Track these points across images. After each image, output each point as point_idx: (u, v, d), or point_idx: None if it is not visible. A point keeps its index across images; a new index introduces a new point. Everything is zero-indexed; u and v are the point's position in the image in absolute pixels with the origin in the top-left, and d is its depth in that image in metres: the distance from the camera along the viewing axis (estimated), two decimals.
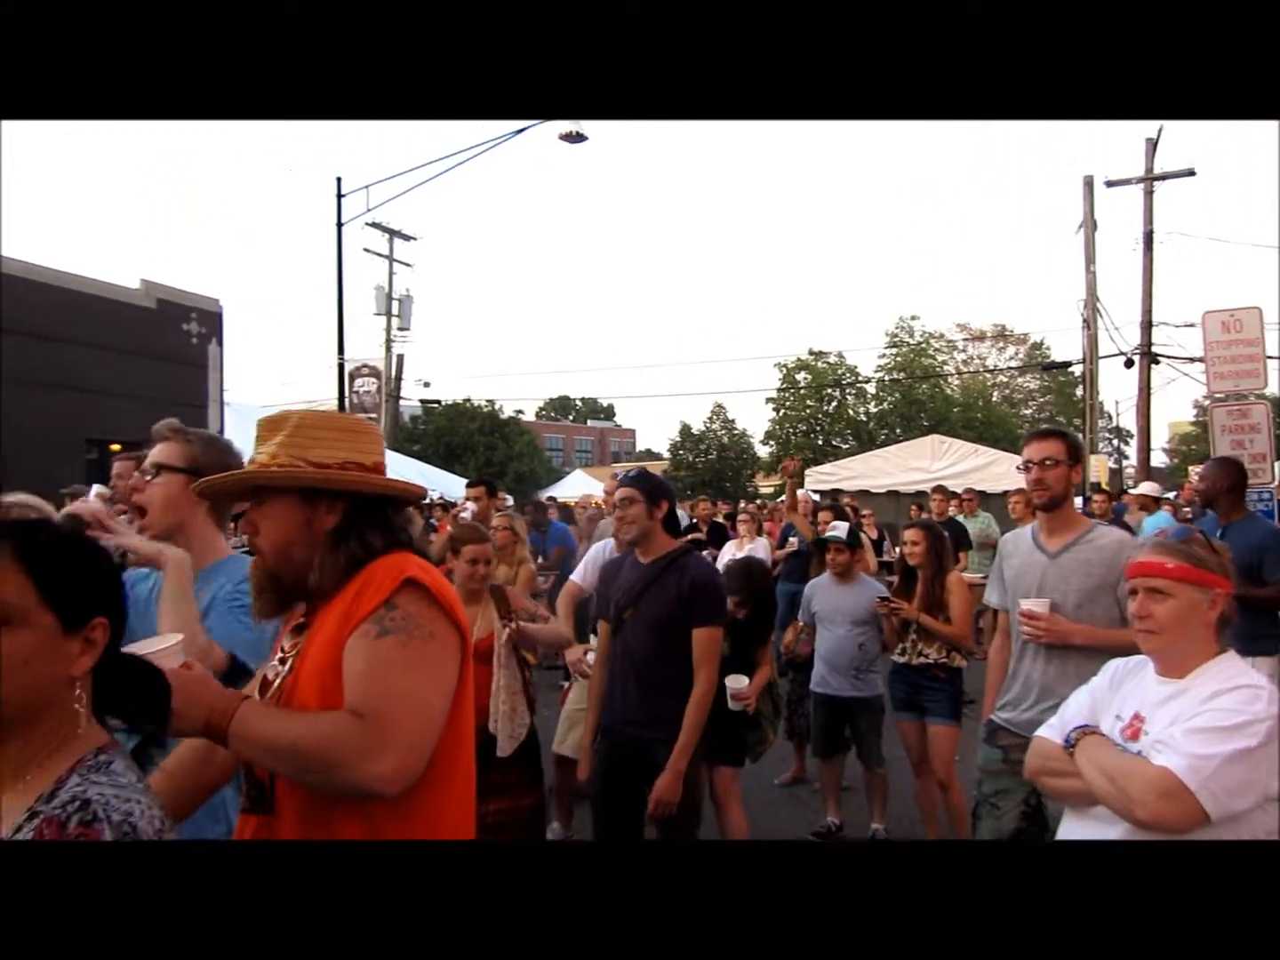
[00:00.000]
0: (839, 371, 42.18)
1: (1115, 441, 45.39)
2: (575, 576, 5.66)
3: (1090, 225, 19.09)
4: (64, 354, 16.34)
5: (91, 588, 1.26)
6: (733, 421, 44.37)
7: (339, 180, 18.24)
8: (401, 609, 1.59)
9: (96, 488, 4.82)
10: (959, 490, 12.14)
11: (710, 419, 44.29)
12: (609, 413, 78.98)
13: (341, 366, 19.09)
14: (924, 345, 44.31)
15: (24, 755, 1.21)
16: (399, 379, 23.93)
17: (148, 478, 2.52)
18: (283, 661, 1.70)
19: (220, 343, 20.04)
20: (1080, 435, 18.44)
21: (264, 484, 1.75)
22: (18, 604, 1.18)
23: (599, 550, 5.67)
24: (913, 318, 44.54)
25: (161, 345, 18.30)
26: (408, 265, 24.87)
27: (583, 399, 77.67)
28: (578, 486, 28.65)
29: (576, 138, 16.36)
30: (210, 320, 19.79)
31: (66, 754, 1.22)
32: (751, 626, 5.11)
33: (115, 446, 17.41)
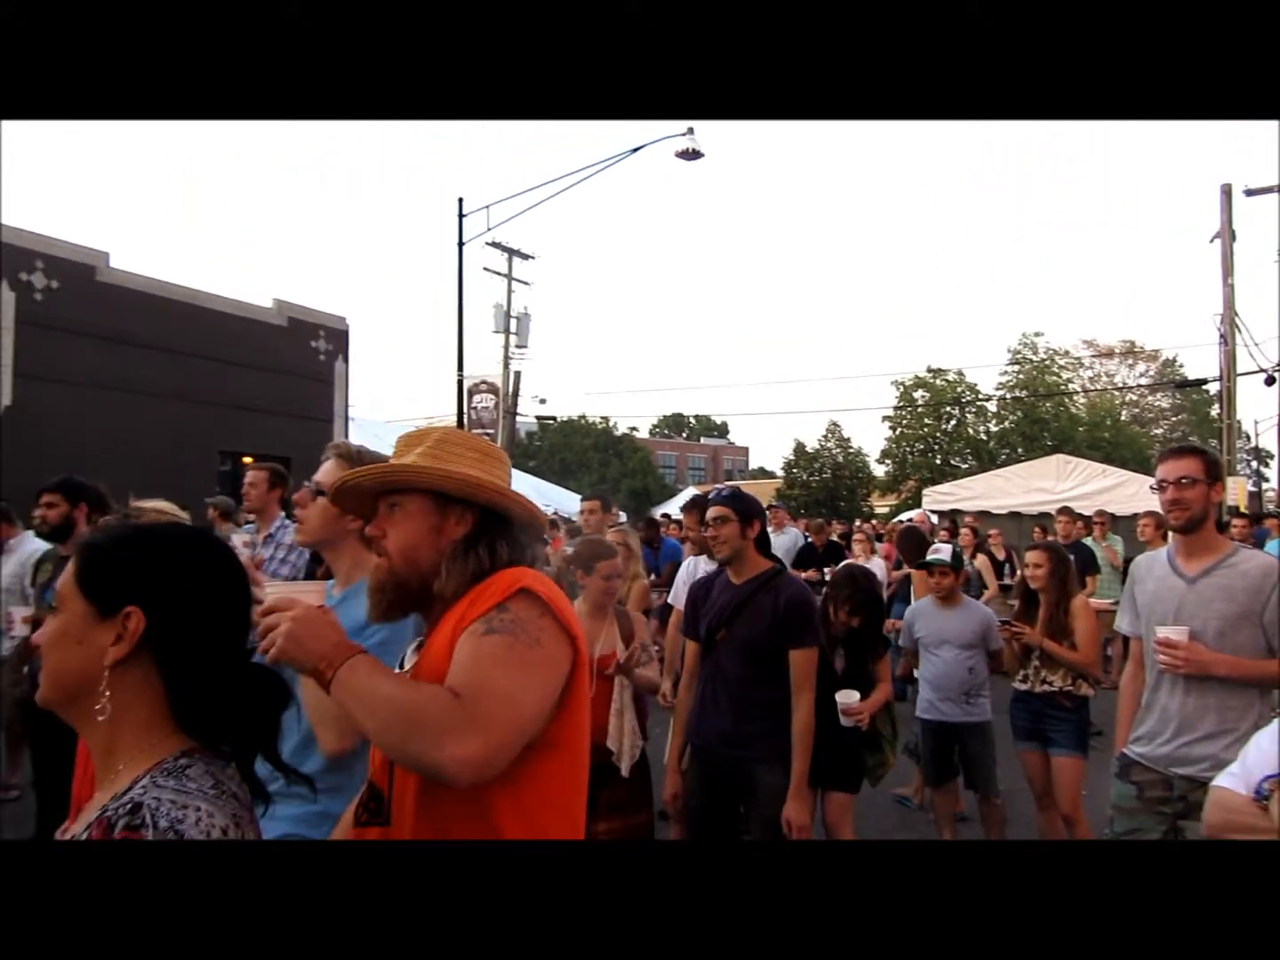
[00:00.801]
0: (958, 389, 41.25)
1: (1254, 463, 43.21)
2: (675, 601, 5.64)
3: (1228, 236, 18.25)
4: (200, 369, 17.10)
5: (124, 577, 1.27)
6: (848, 440, 43.79)
7: (460, 201, 18.69)
8: (512, 613, 1.60)
9: (238, 537, 5.00)
10: (1085, 512, 11.69)
11: (825, 437, 43.79)
12: (722, 430, 78.81)
13: (461, 383, 19.50)
14: (1048, 362, 43.01)
15: (109, 749, 1.26)
16: (516, 395, 24.34)
17: (311, 495, 2.65)
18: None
19: (346, 359, 20.71)
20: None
21: (402, 484, 1.78)
22: (63, 591, 1.29)
23: (688, 570, 5.63)
24: (1036, 334, 43.35)
25: (291, 362, 19.00)
26: (526, 284, 25.35)
27: (696, 416, 77.67)
28: None
29: (692, 155, 16.42)
30: (337, 338, 20.47)
31: (148, 755, 1.24)
32: (866, 638, 4.98)
33: (247, 459, 18.18)
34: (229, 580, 1.35)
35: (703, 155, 16.54)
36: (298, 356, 19.32)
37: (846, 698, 4.45)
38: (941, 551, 5.77)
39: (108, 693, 1.24)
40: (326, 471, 2.73)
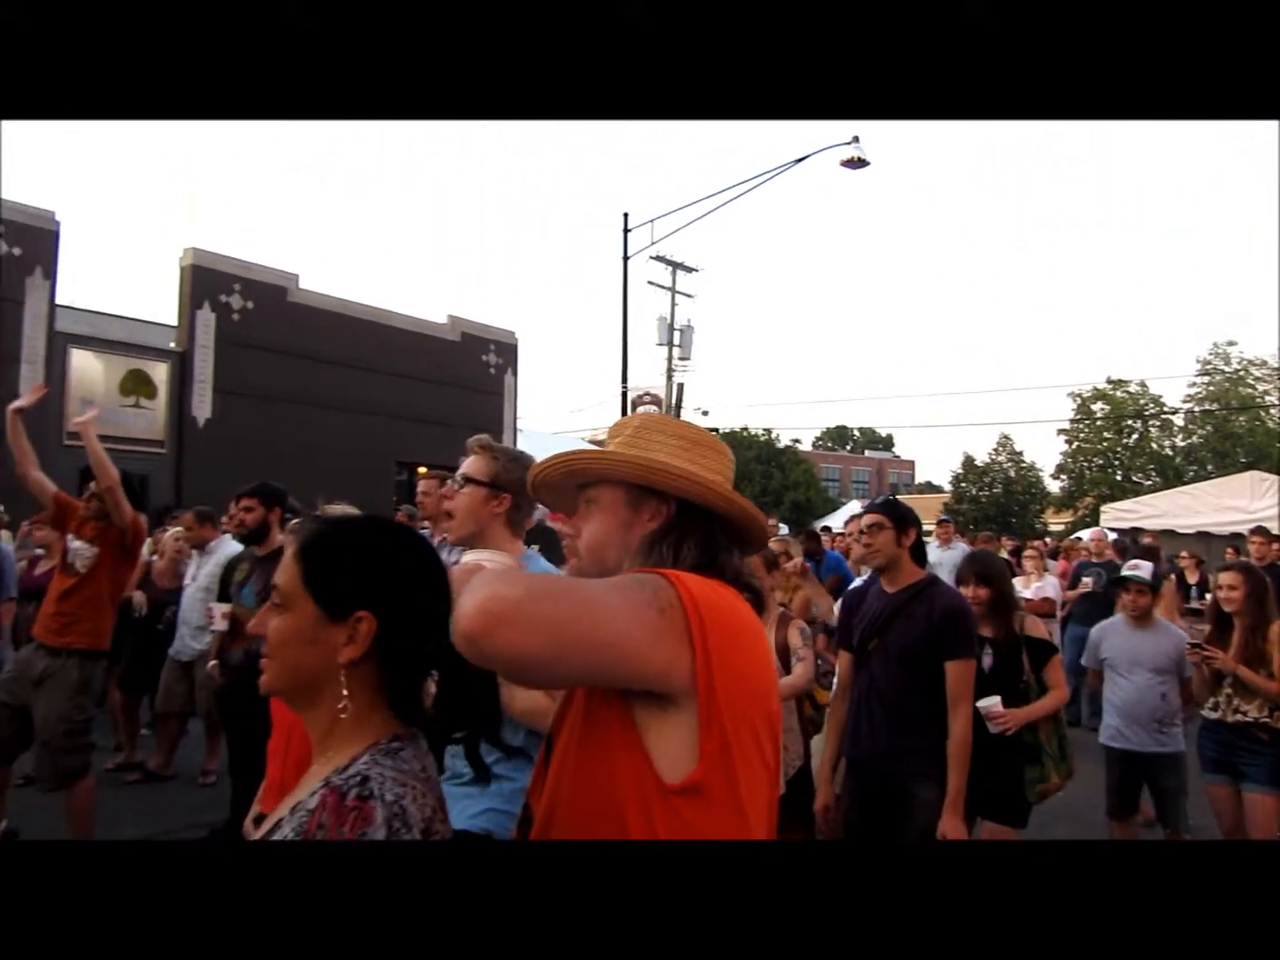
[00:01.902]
0: (1140, 401, 39.23)
1: None
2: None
3: None
4: (379, 383, 17.93)
5: (355, 584, 1.34)
6: (1020, 453, 42.23)
7: (625, 216, 19.00)
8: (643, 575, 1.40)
9: None
10: None
11: (996, 450, 42.36)
12: (887, 443, 77.32)
13: (625, 395, 19.79)
14: (1242, 373, 40.39)
15: (326, 731, 1.34)
16: (679, 407, 24.52)
17: (457, 487, 2.75)
18: None
19: (515, 372, 21.33)
20: None
21: (590, 476, 1.63)
22: (288, 591, 1.35)
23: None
24: (1229, 343, 40.88)
25: (464, 375, 19.70)
26: (689, 296, 25.52)
27: (860, 429, 76.50)
28: None
29: (858, 163, 16.20)
30: (507, 352, 21.11)
31: (365, 735, 1.32)
32: (1010, 635, 4.66)
33: (422, 469, 18.94)
34: (439, 574, 1.41)
35: (869, 164, 16.32)
36: (470, 370, 20.02)
37: (987, 703, 4.26)
38: (1140, 568, 5.47)
39: (346, 690, 1.32)
40: (469, 464, 2.85)
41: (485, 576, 1.27)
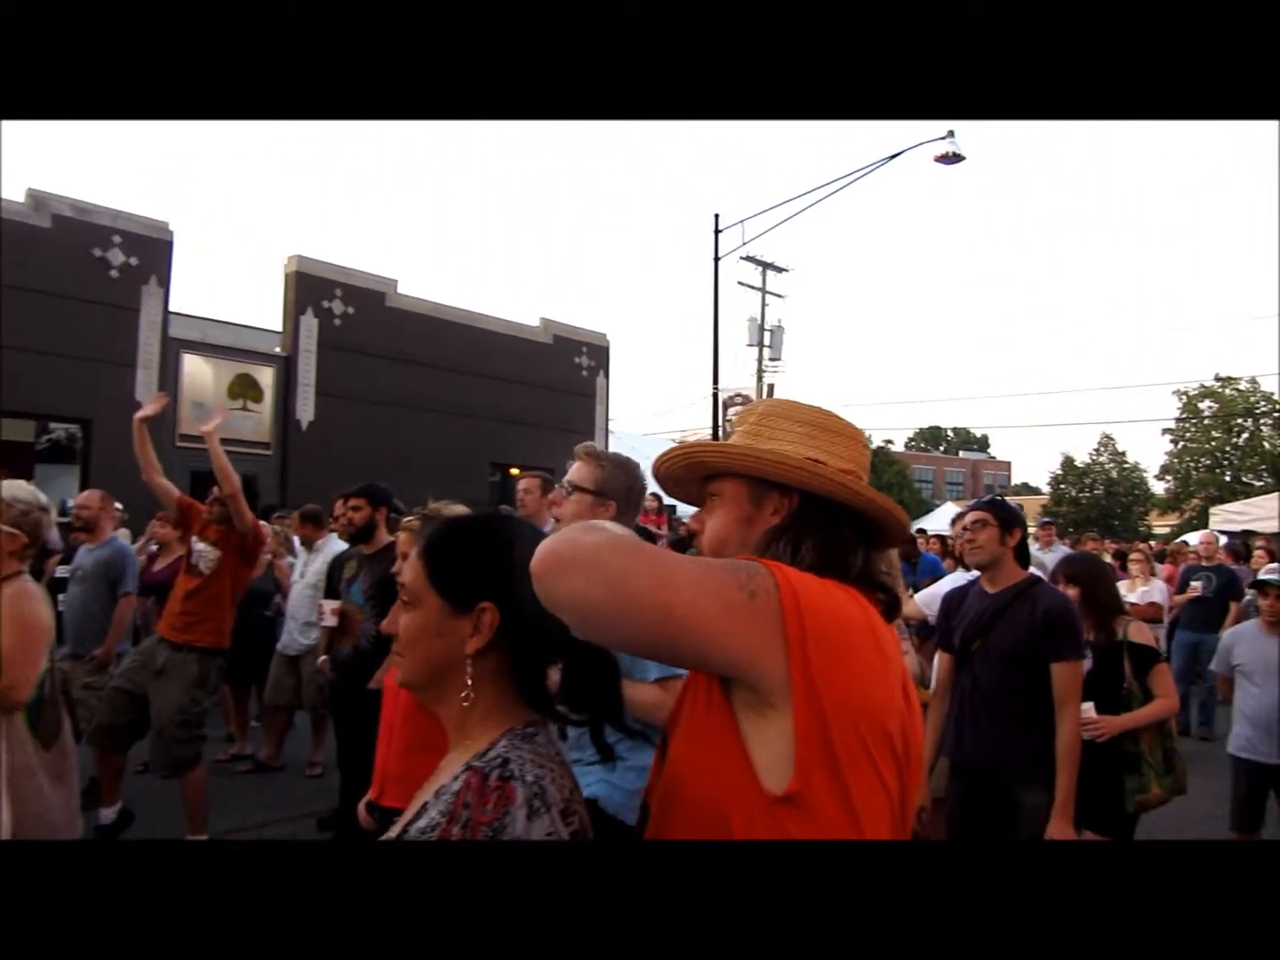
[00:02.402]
0: (1251, 399, 37.73)
1: None
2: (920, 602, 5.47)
3: None
4: (472, 385, 18.25)
5: (477, 577, 1.39)
6: (1123, 454, 41.08)
7: (716, 217, 18.97)
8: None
9: None
10: None
11: (1097, 451, 41.24)
12: (983, 444, 75.72)
13: (716, 396, 19.77)
14: None
15: (459, 720, 1.40)
16: None
17: (565, 494, 2.85)
18: None
19: (607, 374, 21.49)
20: None
21: (701, 468, 1.56)
22: (415, 588, 1.42)
23: (945, 580, 5.47)
24: None
25: (556, 377, 19.93)
26: (780, 296, 25.39)
27: (955, 429, 75.10)
28: (948, 519, 27.65)
29: (953, 159, 15.93)
30: (599, 354, 21.29)
31: (500, 722, 1.37)
32: (1111, 635, 4.54)
33: (514, 470, 19.22)
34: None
35: (964, 159, 16.04)
36: (562, 372, 20.25)
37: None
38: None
39: (470, 680, 1.37)
40: (576, 471, 2.94)
41: (574, 525, 1.28)
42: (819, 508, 1.47)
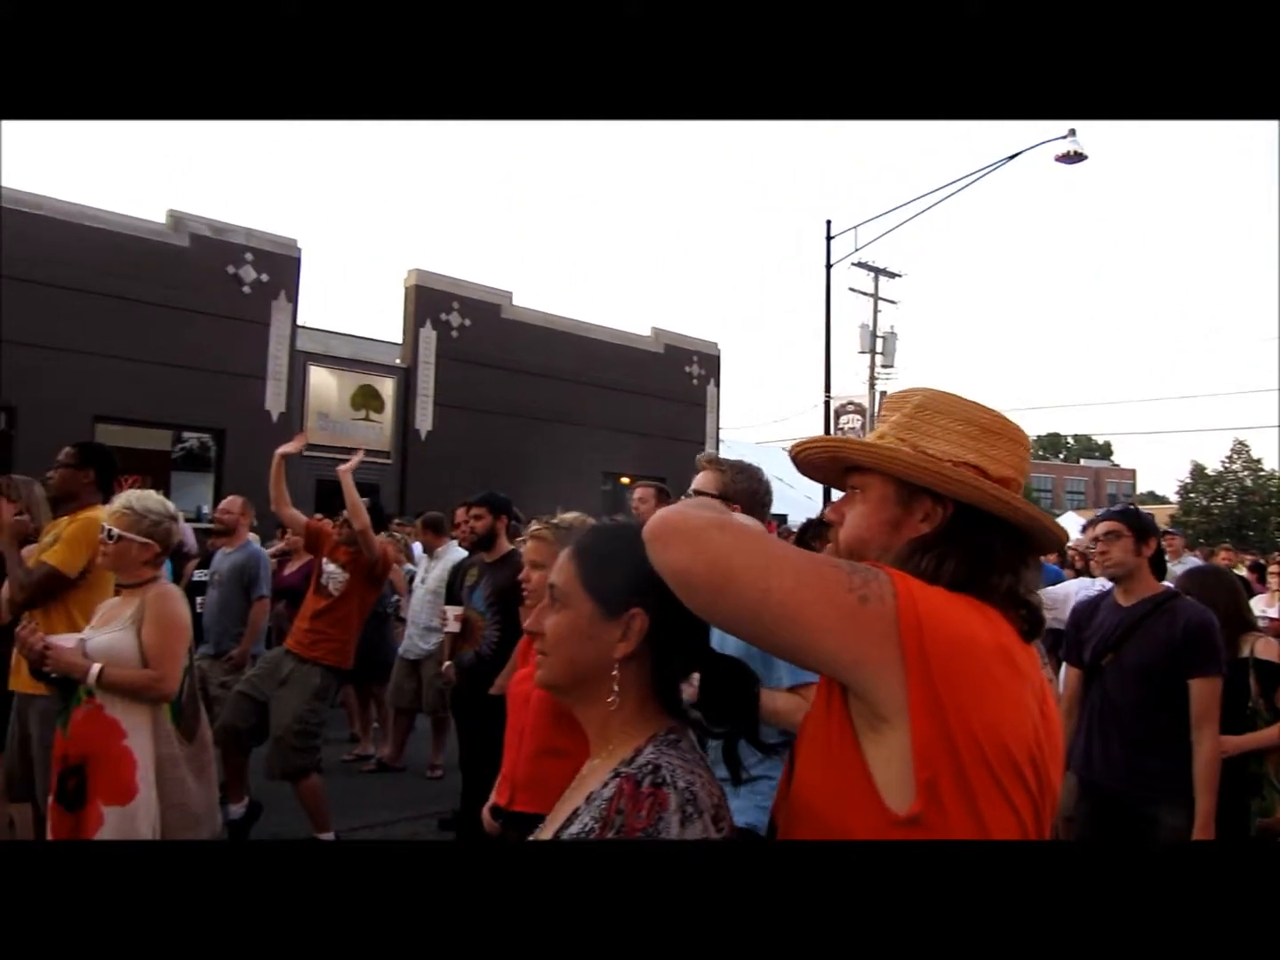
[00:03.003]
0: None
1: None
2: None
3: None
4: (584, 395, 18.46)
5: (630, 582, 1.39)
6: (1258, 461, 39.10)
7: (828, 223, 18.80)
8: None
9: None
10: None
11: (1229, 458, 39.41)
12: (1105, 451, 73.16)
13: (828, 404, 19.58)
14: None
15: (603, 725, 1.42)
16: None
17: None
18: None
19: (718, 383, 21.49)
20: None
21: (849, 459, 1.48)
22: (566, 590, 1.43)
23: (1071, 587, 5.31)
24: None
25: (667, 386, 20.01)
26: (892, 302, 24.99)
27: (1075, 436, 72.82)
28: (1069, 530, 26.79)
29: (1075, 158, 15.45)
30: (710, 363, 21.30)
31: (644, 729, 1.38)
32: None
33: (625, 479, 19.35)
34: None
35: (1086, 158, 15.54)
36: (673, 381, 20.32)
37: None
38: None
39: (617, 685, 1.39)
40: (700, 479, 2.96)
41: (693, 500, 1.31)
42: (972, 518, 1.38)
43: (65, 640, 3.28)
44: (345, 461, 5.62)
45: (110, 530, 3.40)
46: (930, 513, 1.40)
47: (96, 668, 3.19)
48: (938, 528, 1.39)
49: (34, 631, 3.26)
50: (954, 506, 1.39)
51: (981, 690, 1.22)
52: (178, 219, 14.16)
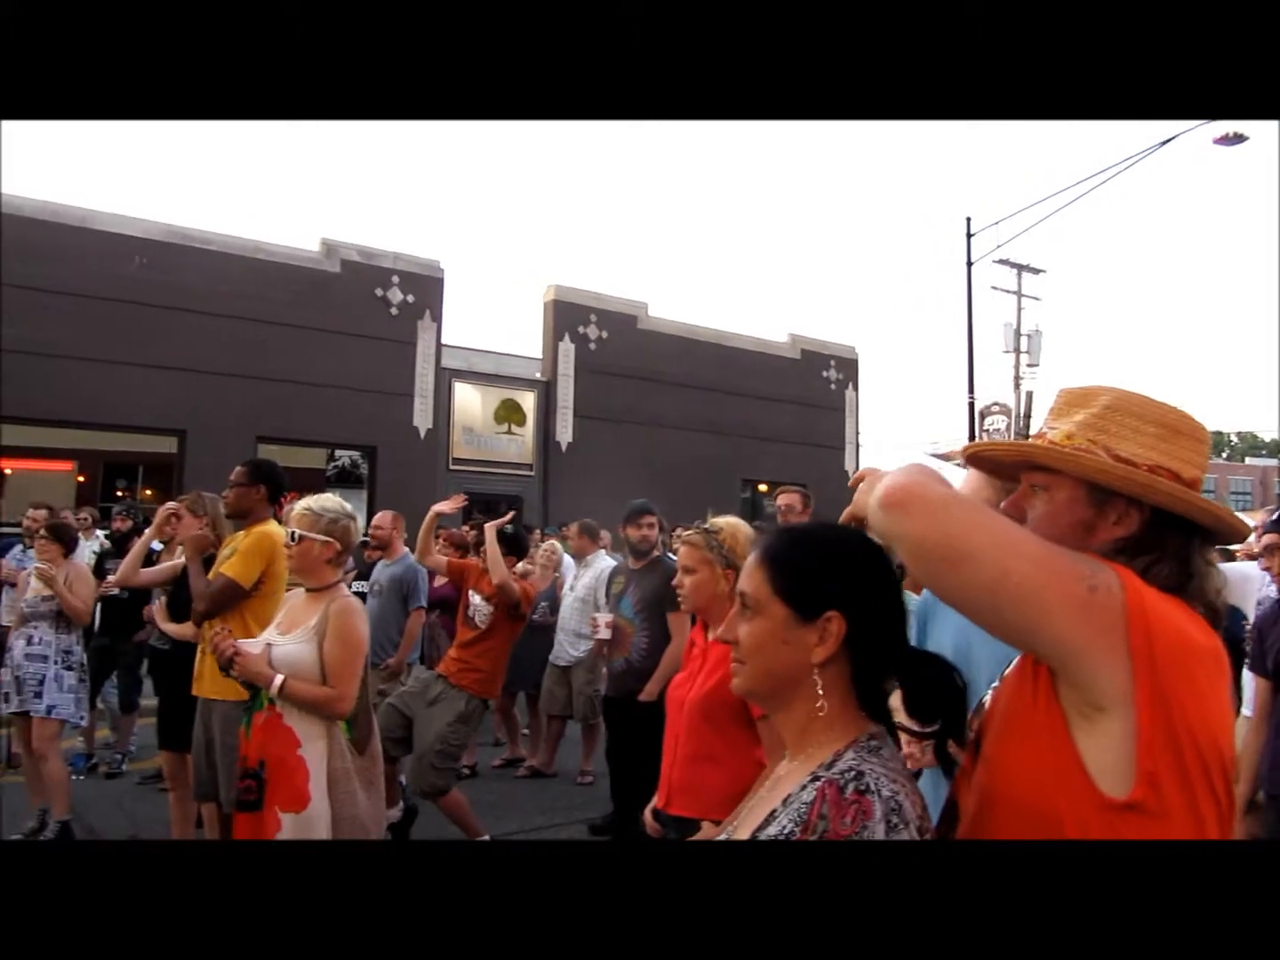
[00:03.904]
0: None
1: None
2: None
3: None
4: (722, 403, 18.46)
5: (823, 585, 1.39)
6: None
7: (968, 220, 18.35)
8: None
9: None
10: None
11: None
12: (1273, 449, 68.92)
13: (972, 405, 19.07)
14: None
15: (801, 729, 1.41)
16: (1029, 416, 23.24)
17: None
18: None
19: (856, 387, 21.17)
20: None
21: (1044, 464, 1.45)
22: (758, 597, 1.43)
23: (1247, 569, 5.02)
24: None
25: (805, 392, 19.83)
26: (1036, 299, 24.17)
27: (1239, 434, 68.89)
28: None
29: (1234, 139, 14.64)
30: (848, 367, 21.01)
31: (844, 733, 1.37)
32: None
33: (762, 486, 19.27)
34: (894, 575, 1.45)
35: (1246, 139, 14.69)
36: (811, 387, 20.12)
37: None
38: None
39: (821, 690, 1.38)
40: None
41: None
42: (1167, 520, 1.37)
43: (252, 645, 3.39)
44: (492, 476, 5.75)
45: (293, 533, 3.48)
46: (1123, 515, 1.39)
47: (279, 679, 3.26)
48: (1135, 531, 1.38)
49: (226, 636, 3.38)
50: (1149, 509, 1.38)
51: (1199, 689, 1.24)
52: (330, 246, 14.82)
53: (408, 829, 5.69)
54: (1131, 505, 1.38)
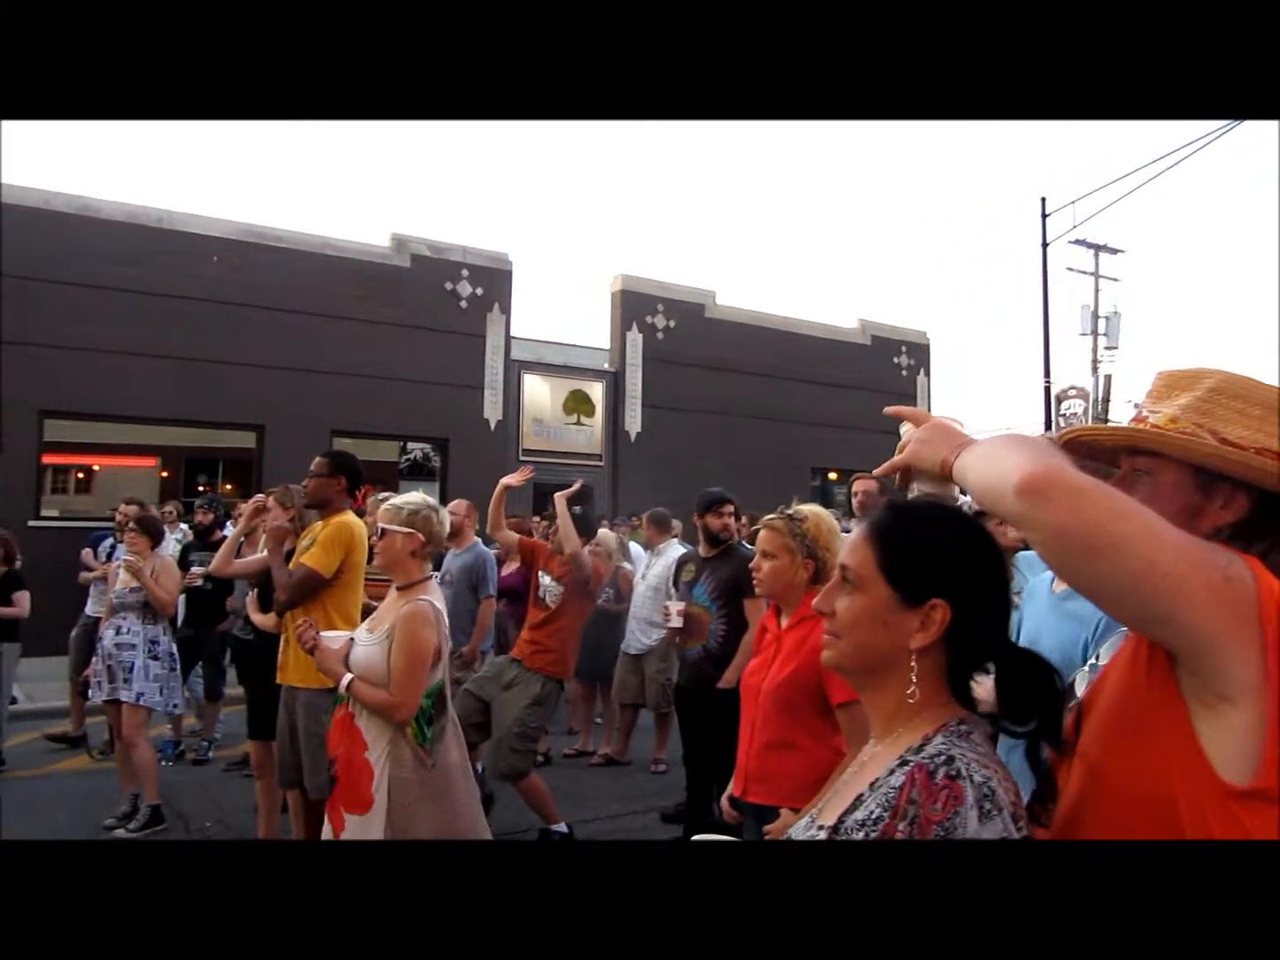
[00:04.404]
0: None
1: None
2: None
3: None
4: (791, 390, 18.31)
5: (931, 571, 1.35)
6: None
7: (1043, 200, 17.98)
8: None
9: None
10: None
11: None
12: None
13: (1048, 389, 18.68)
14: None
15: (890, 711, 1.38)
16: (1107, 401, 22.70)
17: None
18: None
19: (928, 373, 20.86)
20: None
21: (1151, 448, 1.43)
22: (861, 573, 1.39)
23: None
24: None
25: (875, 378, 19.57)
26: (1114, 280, 23.56)
27: None
28: None
29: None
30: (919, 352, 20.72)
31: (933, 717, 1.34)
32: None
33: (832, 475, 19.09)
34: (1004, 564, 1.41)
35: None
36: (881, 373, 19.87)
37: None
38: None
39: (915, 676, 1.35)
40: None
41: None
42: (1274, 503, 1.35)
43: (334, 639, 3.45)
44: (562, 467, 5.80)
45: (378, 527, 3.51)
46: (1229, 500, 1.38)
47: (347, 678, 3.27)
48: (1242, 516, 1.37)
49: (309, 627, 3.44)
50: (1256, 493, 1.37)
51: None
52: (400, 241, 15.01)
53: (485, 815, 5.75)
54: (1238, 489, 1.37)
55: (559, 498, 5.67)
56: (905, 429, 1.56)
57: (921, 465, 1.43)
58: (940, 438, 1.41)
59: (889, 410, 1.59)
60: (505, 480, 5.84)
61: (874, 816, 1.24)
